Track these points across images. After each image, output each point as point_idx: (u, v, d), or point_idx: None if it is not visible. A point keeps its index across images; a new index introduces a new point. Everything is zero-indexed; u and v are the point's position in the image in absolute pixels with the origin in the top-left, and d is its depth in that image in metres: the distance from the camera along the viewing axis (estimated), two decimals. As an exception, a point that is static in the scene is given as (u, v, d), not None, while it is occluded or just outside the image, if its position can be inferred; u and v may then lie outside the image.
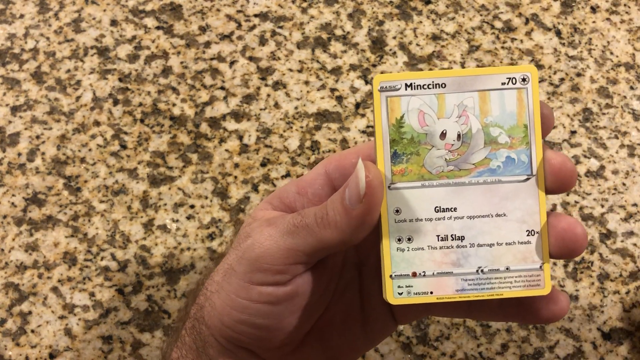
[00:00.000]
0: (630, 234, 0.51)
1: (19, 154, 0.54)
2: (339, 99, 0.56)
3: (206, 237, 0.51)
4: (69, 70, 0.57)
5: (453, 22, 0.59)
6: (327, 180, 0.34)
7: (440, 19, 0.59)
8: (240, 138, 0.54)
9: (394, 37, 0.58)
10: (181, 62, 0.57)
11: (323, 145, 0.54)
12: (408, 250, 0.31)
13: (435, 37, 0.58)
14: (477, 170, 0.31)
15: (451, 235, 0.31)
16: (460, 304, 0.35)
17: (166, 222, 0.51)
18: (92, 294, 0.49)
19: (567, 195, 0.52)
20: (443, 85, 0.31)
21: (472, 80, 0.30)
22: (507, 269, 0.31)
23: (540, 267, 0.31)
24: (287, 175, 0.53)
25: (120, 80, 0.57)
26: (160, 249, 0.50)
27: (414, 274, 0.31)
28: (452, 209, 0.31)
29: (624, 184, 0.53)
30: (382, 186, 0.30)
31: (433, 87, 0.31)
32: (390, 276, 0.31)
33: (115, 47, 0.58)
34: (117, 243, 0.50)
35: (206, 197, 0.52)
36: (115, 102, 0.56)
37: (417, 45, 0.58)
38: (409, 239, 0.31)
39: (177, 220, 0.51)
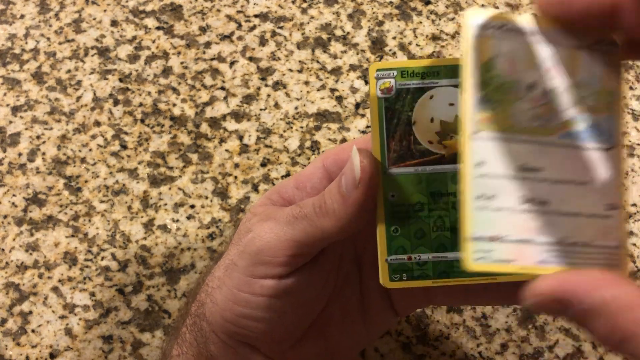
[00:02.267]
0: (630, 234, 0.51)
1: (20, 154, 0.54)
2: (339, 99, 0.56)
3: (206, 237, 0.51)
4: (69, 71, 0.57)
5: (453, 23, 0.59)
6: (325, 174, 0.34)
7: (440, 19, 0.59)
8: (241, 138, 0.54)
9: (394, 38, 0.58)
10: (181, 63, 0.57)
11: (323, 146, 0.54)
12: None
13: (435, 38, 0.58)
14: (563, 132, 0.28)
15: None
16: (458, 290, 0.35)
17: (166, 222, 0.51)
18: (92, 294, 0.49)
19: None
20: (535, 34, 0.28)
21: (565, 35, 0.28)
22: (585, 244, 0.28)
23: (619, 245, 0.28)
24: (287, 175, 0.53)
25: (120, 80, 0.57)
26: (161, 249, 0.50)
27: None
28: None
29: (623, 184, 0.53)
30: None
31: (526, 35, 0.28)
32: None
33: (115, 47, 0.58)
34: (117, 243, 0.51)
35: (206, 197, 0.52)
36: (116, 102, 0.56)
37: (417, 45, 0.58)
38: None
39: (178, 220, 0.51)
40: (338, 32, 0.59)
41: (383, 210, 0.31)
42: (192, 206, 0.52)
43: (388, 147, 0.31)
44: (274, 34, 0.59)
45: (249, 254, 0.32)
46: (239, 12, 0.60)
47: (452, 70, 0.31)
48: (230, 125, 0.55)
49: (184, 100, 0.56)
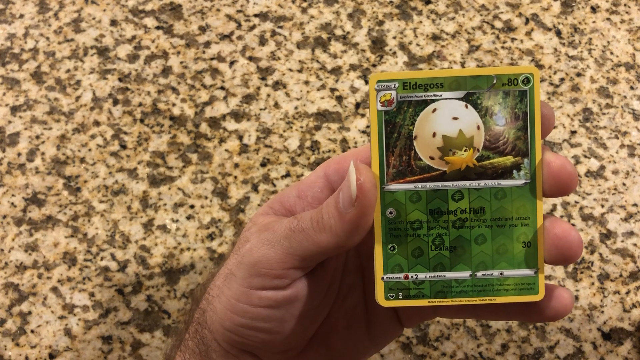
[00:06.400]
0: (630, 234, 0.51)
1: (19, 154, 0.54)
2: (339, 99, 0.56)
3: (206, 237, 0.51)
4: (68, 70, 0.57)
5: (453, 22, 0.59)
6: (327, 183, 0.34)
7: (440, 18, 0.59)
8: (240, 138, 0.54)
9: (394, 37, 0.58)
10: (181, 62, 0.57)
11: (323, 145, 0.54)
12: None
13: (435, 37, 0.58)
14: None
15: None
16: (464, 305, 0.35)
17: (166, 222, 0.51)
18: (92, 294, 0.49)
19: (567, 195, 0.52)
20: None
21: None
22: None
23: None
24: (287, 175, 0.53)
25: (120, 80, 0.57)
26: (160, 249, 0.50)
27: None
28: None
29: (624, 184, 0.53)
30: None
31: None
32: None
33: (115, 47, 0.58)
34: (117, 243, 0.50)
35: (206, 197, 0.52)
36: (115, 102, 0.56)
37: (417, 45, 0.58)
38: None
39: (177, 221, 0.51)
40: (338, 32, 0.59)
41: (380, 227, 0.31)
42: (192, 206, 0.52)
43: (387, 162, 0.31)
44: (273, 33, 0.59)
45: (246, 265, 0.32)
46: (238, 11, 0.60)
47: (456, 82, 0.30)
48: (230, 125, 0.55)
49: (183, 100, 0.56)
